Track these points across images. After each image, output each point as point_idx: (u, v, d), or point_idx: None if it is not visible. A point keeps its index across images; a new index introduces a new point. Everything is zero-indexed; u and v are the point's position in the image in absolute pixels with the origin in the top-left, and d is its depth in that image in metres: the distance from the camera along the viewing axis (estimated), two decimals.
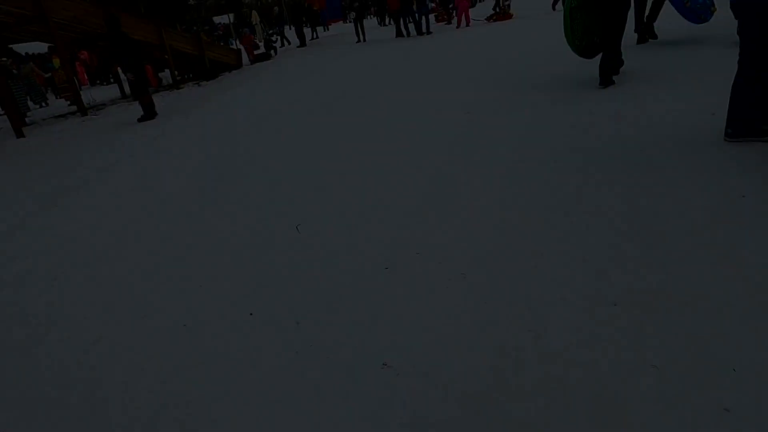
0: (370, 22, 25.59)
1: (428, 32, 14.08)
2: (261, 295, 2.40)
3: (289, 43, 19.84)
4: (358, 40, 15.40)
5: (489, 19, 14.47)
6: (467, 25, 14.43)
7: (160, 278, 2.76)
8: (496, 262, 2.31)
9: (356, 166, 4.02)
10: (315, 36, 21.61)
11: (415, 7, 13.95)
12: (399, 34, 14.72)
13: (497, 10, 14.84)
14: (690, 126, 3.49)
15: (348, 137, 5.01)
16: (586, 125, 3.97)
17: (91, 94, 13.31)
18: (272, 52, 16.43)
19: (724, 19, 5.72)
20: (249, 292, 2.44)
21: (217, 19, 46.62)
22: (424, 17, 14.04)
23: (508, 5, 14.82)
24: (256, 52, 16.37)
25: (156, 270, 2.87)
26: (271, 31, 16.46)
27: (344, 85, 8.35)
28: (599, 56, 5.05)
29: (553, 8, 13.12)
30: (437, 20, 17.45)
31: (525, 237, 2.49)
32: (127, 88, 12.12)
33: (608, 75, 4.98)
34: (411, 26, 14.36)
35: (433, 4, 25.65)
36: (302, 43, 17.57)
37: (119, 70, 8.03)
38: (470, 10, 16.14)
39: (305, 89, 8.68)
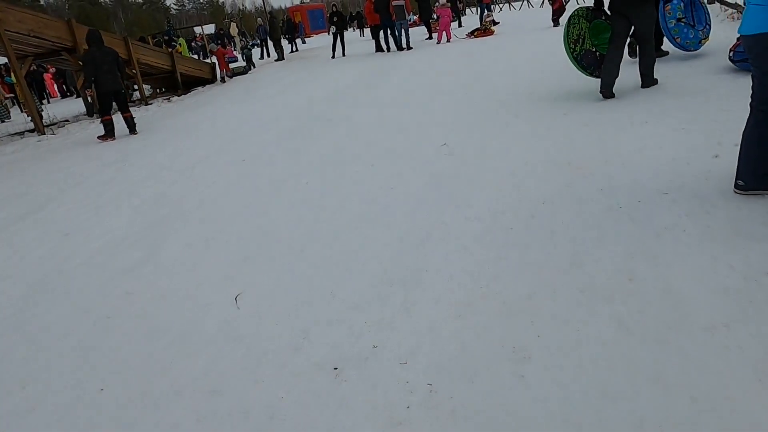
0: (353, 34, 25.27)
1: (408, 47, 13.71)
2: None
3: (269, 56, 19.38)
4: (334, 56, 14.97)
5: (470, 35, 14.18)
6: (448, 40, 14.11)
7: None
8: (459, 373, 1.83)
9: (310, 216, 3.52)
10: (294, 49, 21.19)
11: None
12: (378, 49, 14.34)
13: (482, 25, 14.56)
14: (693, 169, 3.08)
15: (310, 171, 4.52)
16: (571, 162, 3.54)
17: (49, 111, 12.63)
18: (250, 65, 15.93)
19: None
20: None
21: (197, 30, 46.13)
22: (404, 32, 13.68)
23: (491, 21, 14.56)
24: (233, 66, 15.85)
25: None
26: (251, 44, 15.95)
27: (317, 105, 7.88)
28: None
29: (554, 24, 12.67)
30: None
31: (508, 335, 2.01)
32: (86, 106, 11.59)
33: (651, 75, 5.08)
34: (391, 41, 13.99)
35: (414, 18, 25.46)
36: (280, 57, 17.10)
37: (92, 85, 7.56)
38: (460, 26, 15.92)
39: (275, 110, 8.18)
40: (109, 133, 7.73)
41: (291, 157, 5.14)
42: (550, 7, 13.39)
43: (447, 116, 5.67)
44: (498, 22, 15.74)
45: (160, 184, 4.89)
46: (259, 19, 20.77)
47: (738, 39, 5.51)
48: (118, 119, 7.96)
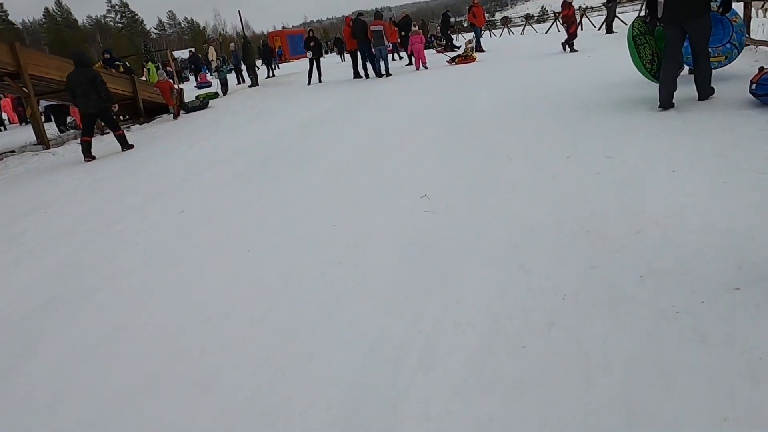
0: (334, 59, 24.70)
1: (387, 74, 13.02)
2: None
3: (244, 81, 18.58)
4: (310, 82, 14.22)
5: (451, 61, 13.58)
6: (425, 67, 13.48)
7: None
8: None
9: (238, 316, 2.60)
10: (271, 74, 20.47)
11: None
12: (357, 75, 13.64)
13: (463, 52, 14.00)
14: (762, 248, 2.25)
15: (257, 232, 3.61)
16: (590, 230, 2.69)
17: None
18: (225, 90, 15.05)
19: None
20: None
21: (176, 53, 45.36)
22: (382, 58, 13.00)
23: (471, 48, 14.01)
24: (202, 92, 14.94)
25: None
26: (226, 68, 15.09)
27: (285, 138, 7.01)
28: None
29: (565, 49, 11.93)
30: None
31: None
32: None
33: (708, 87, 5.00)
34: (370, 67, 13.30)
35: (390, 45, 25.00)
36: (254, 83, 16.30)
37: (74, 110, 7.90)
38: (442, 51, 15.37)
39: (239, 142, 7.29)
40: (85, 154, 7.76)
41: (239, 209, 4.23)
42: (565, 30, 12.30)
43: (428, 156, 4.84)
44: (484, 50, 15.21)
45: (71, 245, 3.92)
46: (232, 44, 19.94)
47: (761, 69, 4.86)
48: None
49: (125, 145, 8.14)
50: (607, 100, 5.96)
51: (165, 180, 5.70)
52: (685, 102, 5.02)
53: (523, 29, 28.17)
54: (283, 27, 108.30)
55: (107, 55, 12.57)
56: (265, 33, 57.40)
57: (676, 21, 4.73)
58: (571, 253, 2.53)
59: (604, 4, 19.39)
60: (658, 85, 5.04)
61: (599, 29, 18.28)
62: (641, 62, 5.19)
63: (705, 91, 5.02)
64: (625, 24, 17.58)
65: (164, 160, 6.95)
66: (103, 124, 9.23)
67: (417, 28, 14.33)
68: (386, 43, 13.23)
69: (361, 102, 9.31)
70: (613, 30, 15.06)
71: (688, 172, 3.31)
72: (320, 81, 14.32)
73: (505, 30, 30.87)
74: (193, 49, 30.39)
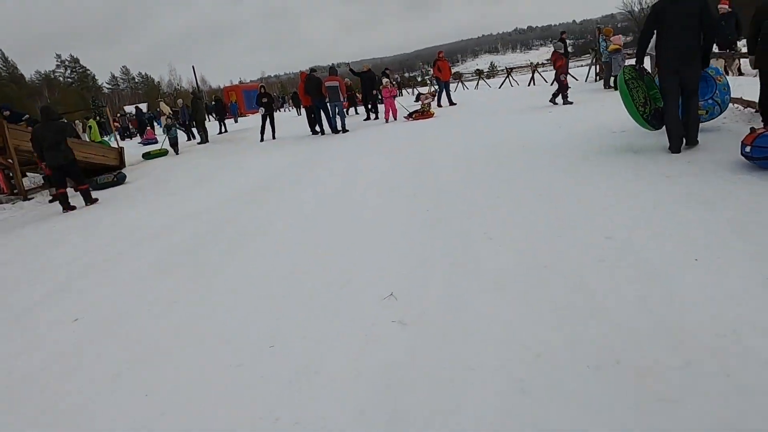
0: (289, 114, 24.25)
1: (344, 130, 12.50)
2: None
3: (193, 137, 17.70)
4: (262, 139, 13.53)
5: (409, 117, 13.26)
6: (395, 118, 13.07)
7: None
8: None
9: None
10: (223, 130, 19.71)
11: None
12: (313, 131, 13.06)
13: (422, 107, 13.76)
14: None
15: (163, 354, 2.70)
16: (620, 359, 1.96)
17: None
18: (175, 150, 14.00)
19: None
20: None
21: (128, 108, 44.11)
22: (338, 115, 12.51)
23: (429, 104, 13.78)
24: (151, 148, 13.86)
25: None
26: (174, 126, 14.10)
27: (227, 208, 6.15)
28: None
29: (555, 102, 11.10)
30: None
31: None
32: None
33: (697, 132, 5.07)
34: (326, 123, 12.76)
35: (345, 101, 24.88)
36: (204, 140, 15.46)
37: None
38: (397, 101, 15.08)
39: (174, 213, 6.35)
40: (63, 206, 7.79)
41: (154, 313, 3.30)
42: (558, 82, 11.21)
43: (391, 234, 4.09)
44: (455, 103, 15.00)
45: None
46: (179, 100, 19.11)
47: (753, 130, 4.47)
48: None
49: (89, 200, 8.10)
50: (581, 154, 5.49)
51: (75, 264, 4.70)
52: (665, 158, 4.54)
53: (477, 84, 28.77)
54: (240, 81, 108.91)
55: (6, 112, 10.47)
56: (221, 87, 57.06)
57: (671, 67, 4.90)
58: (605, 403, 1.77)
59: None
60: (637, 134, 5.17)
61: (552, 84, 18.69)
62: (634, 105, 5.20)
63: (694, 137, 5.06)
64: (576, 79, 18.07)
65: (83, 235, 5.93)
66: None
67: (389, 80, 14.46)
68: (342, 98, 12.80)
69: (315, 162, 8.60)
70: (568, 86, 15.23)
71: (715, 261, 2.68)
72: (274, 137, 13.65)
73: (459, 84, 31.54)
74: (139, 105, 29.33)
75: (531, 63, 25.87)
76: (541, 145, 6.52)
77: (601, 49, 13.93)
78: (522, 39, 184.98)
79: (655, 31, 5.05)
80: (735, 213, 3.30)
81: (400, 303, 2.81)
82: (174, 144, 14.02)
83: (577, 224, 3.56)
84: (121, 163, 13.19)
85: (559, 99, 10.91)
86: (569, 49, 15.69)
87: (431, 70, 18.07)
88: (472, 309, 2.62)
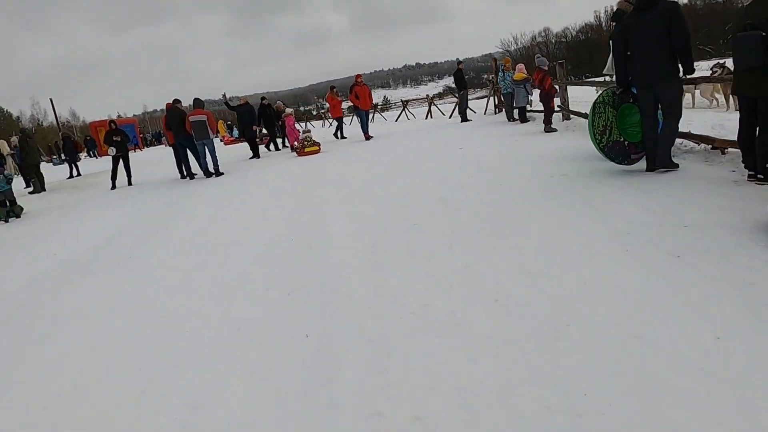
0: (166, 150, 21.13)
1: (217, 173, 10.28)
2: None
3: (28, 185, 14.19)
4: (114, 186, 10.82)
5: (295, 151, 11.50)
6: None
7: None
8: None
9: None
10: (75, 173, 16.36)
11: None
12: (181, 174, 10.66)
13: (302, 143, 12.03)
14: None
15: None
16: None
17: None
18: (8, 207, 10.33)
19: None
20: None
21: None
22: (208, 153, 10.28)
23: (308, 138, 12.09)
24: None
25: None
26: (7, 175, 10.51)
27: (40, 291, 3.75)
28: None
29: (549, 128, 9.09)
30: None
31: None
32: None
33: (667, 153, 4.60)
34: (196, 165, 10.44)
35: (224, 137, 22.43)
36: (37, 188, 12.26)
37: None
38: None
39: None
40: None
41: None
42: (545, 106, 9.28)
43: (269, 345, 2.14)
44: (371, 136, 13.17)
45: None
46: (14, 137, 15.39)
47: None
48: None
49: None
50: (529, 202, 3.98)
51: None
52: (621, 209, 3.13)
53: (373, 116, 27.67)
54: (119, 116, 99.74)
55: None
56: (88, 123, 50.74)
57: (643, 83, 4.60)
58: None
59: (454, 93, 19.46)
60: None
61: (450, 117, 17.96)
62: (593, 131, 4.95)
63: (663, 157, 4.58)
64: (475, 112, 17.49)
65: None
66: None
67: (291, 110, 13.63)
68: (211, 135, 10.59)
69: (171, 220, 6.31)
70: (468, 118, 14.38)
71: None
72: (130, 183, 10.99)
73: (402, 113, 30.39)
74: None
75: (428, 96, 25.38)
76: (465, 187, 4.97)
77: (500, 81, 13.32)
78: (412, 75, 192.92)
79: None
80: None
81: None
82: (9, 205, 10.09)
83: (576, 317, 1.87)
84: None
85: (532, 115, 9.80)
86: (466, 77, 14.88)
87: (326, 102, 16.43)
88: None
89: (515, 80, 10.78)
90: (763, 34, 3.78)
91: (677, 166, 4.64)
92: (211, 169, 10.31)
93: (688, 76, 4.55)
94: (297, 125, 13.70)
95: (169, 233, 5.56)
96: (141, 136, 35.65)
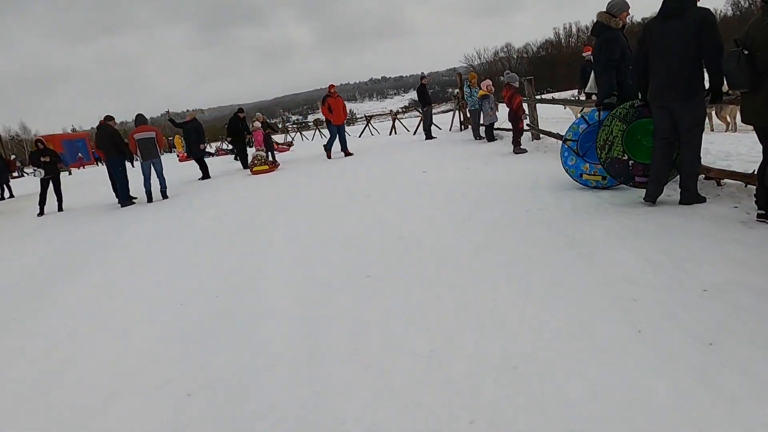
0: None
1: (164, 196, 9.27)
2: None
3: None
4: (42, 212, 9.64)
5: (250, 168, 10.65)
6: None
7: None
8: None
9: None
10: (7, 194, 14.94)
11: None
12: (119, 201, 9.58)
13: (253, 160, 11.20)
14: None
15: None
16: None
17: None
18: None
19: None
20: None
21: None
22: (155, 174, 9.28)
23: (261, 156, 11.34)
24: None
25: None
26: None
27: None
28: None
29: (518, 149, 8.20)
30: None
31: None
32: None
33: (694, 185, 3.97)
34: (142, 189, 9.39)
35: (180, 153, 21.18)
36: None
37: None
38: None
39: None
40: None
41: None
42: (513, 125, 8.44)
43: None
44: (351, 153, 12.21)
45: None
46: None
47: None
48: None
49: None
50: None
51: None
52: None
53: (362, 131, 26.87)
54: (73, 129, 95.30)
55: None
56: (34, 136, 48.11)
57: (658, 102, 4.03)
58: None
59: (418, 109, 18.85)
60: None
61: (415, 134, 17.34)
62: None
63: (690, 194, 3.99)
64: (440, 128, 16.92)
65: None
66: None
67: (258, 123, 12.96)
68: (160, 152, 9.62)
69: (80, 266, 5.29)
70: (432, 135, 13.75)
71: None
72: (60, 209, 9.82)
73: (366, 129, 29.55)
74: None
75: (391, 111, 24.78)
76: (430, 235, 4.21)
77: (466, 97, 12.77)
78: (378, 88, 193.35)
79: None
80: None
81: None
82: None
83: None
84: None
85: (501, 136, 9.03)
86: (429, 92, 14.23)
87: (292, 117, 15.61)
88: None
89: (480, 96, 10.23)
90: (744, 52, 3.22)
91: (704, 199, 4.04)
92: (157, 192, 9.29)
93: (714, 97, 3.82)
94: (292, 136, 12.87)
95: (74, 285, 4.55)
96: (93, 151, 33.68)
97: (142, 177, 9.31)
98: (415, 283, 3.26)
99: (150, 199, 9.30)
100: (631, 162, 4.52)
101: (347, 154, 11.85)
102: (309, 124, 40.84)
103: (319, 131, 30.60)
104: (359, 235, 4.63)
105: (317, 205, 6.37)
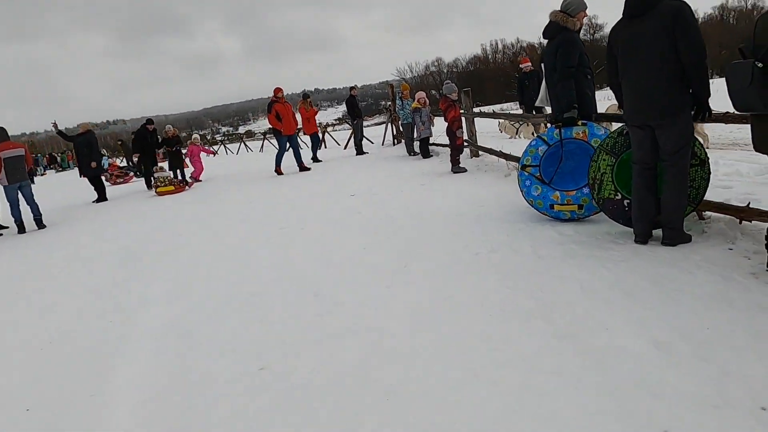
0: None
1: (39, 225, 7.63)
2: None
3: None
4: None
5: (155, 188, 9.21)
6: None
7: None
8: None
9: None
10: None
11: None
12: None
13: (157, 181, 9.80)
14: None
15: None
16: None
17: None
18: None
19: None
20: None
21: None
22: (26, 202, 7.58)
23: (166, 177, 10.06)
24: None
25: None
26: None
27: None
28: None
29: (457, 168, 7.40)
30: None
31: None
32: None
33: (678, 227, 3.22)
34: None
35: (111, 161, 19.28)
36: None
37: None
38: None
39: None
40: None
41: None
42: (451, 141, 7.52)
43: None
44: (308, 168, 10.86)
45: None
46: None
47: None
48: None
49: None
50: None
51: None
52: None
53: (262, 146, 25.26)
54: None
55: None
56: None
57: (634, 120, 3.27)
58: None
59: (348, 122, 17.83)
60: None
61: (345, 148, 16.29)
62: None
63: (674, 233, 3.23)
64: (372, 142, 15.98)
65: None
66: None
67: (197, 136, 13.47)
68: (37, 173, 7.95)
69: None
70: (364, 151, 12.77)
71: None
72: None
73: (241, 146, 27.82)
74: None
75: (320, 124, 23.64)
76: (353, 293, 3.14)
77: (398, 110, 11.91)
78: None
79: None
80: None
81: None
82: None
83: None
84: None
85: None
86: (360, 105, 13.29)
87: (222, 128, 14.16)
88: None
89: (413, 108, 9.38)
90: (758, 64, 2.43)
91: (690, 238, 3.28)
92: (30, 221, 7.61)
93: (703, 113, 3.06)
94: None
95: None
96: None
97: (8, 204, 7.62)
98: (330, 386, 2.16)
99: (22, 230, 7.61)
100: (626, 201, 3.64)
101: (302, 168, 10.38)
102: (242, 135, 38.93)
103: (245, 144, 28.85)
104: (261, 291, 3.48)
105: (218, 242, 5.12)
